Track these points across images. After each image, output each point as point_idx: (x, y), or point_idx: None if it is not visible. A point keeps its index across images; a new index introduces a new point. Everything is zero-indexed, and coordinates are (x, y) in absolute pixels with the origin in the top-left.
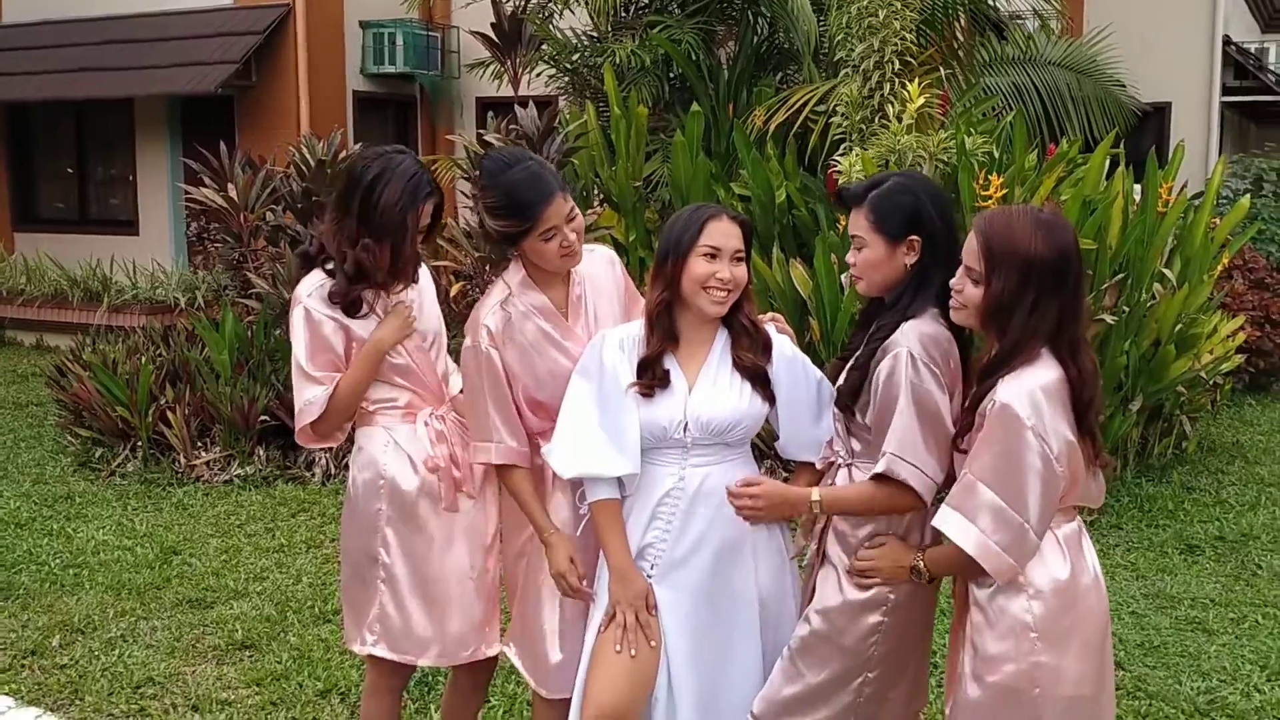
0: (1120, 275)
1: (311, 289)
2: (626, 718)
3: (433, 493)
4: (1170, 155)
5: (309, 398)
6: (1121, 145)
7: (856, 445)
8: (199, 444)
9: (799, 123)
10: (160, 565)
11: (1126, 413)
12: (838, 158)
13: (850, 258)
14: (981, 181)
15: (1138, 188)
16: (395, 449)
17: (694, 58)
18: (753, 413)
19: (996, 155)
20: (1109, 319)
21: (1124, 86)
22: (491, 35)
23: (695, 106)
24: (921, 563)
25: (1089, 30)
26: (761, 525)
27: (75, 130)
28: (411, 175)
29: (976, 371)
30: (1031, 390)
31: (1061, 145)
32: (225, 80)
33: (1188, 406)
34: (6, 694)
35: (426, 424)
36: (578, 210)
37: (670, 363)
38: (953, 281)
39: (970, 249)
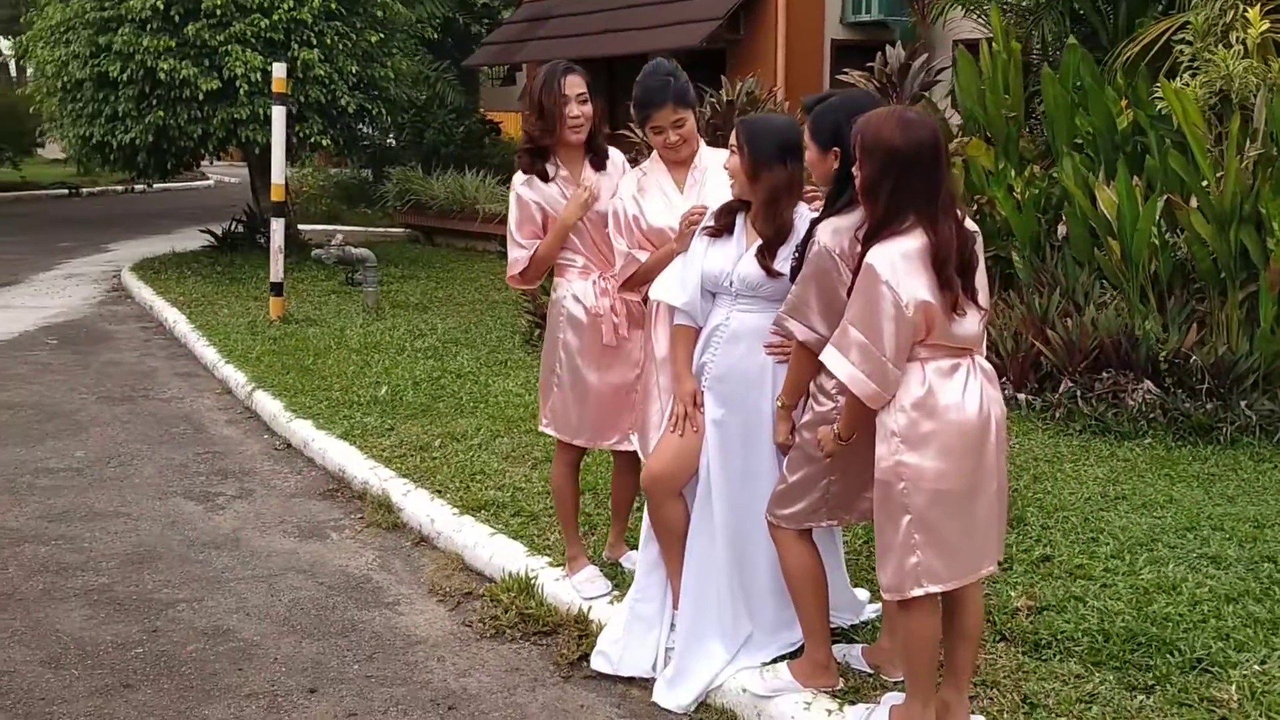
0: None
1: (520, 181)
2: (673, 481)
3: (595, 330)
4: None
5: (516, 256)
6: None
7: None
8: None
9: (1153, 52)
10: (534, 407)
11: None
12: (1155, 86)
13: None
14: None
15: None
16: (573, 297)
17: None
18: (784, 284)
19: None
20: None
21: None
22: None
23: (1071, 40)
24: (834, 428)
25: None
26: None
27: (608, 82)
28: (549, 64)
29: (860, 240)
30: (892, 254)
31: None
32: (711, 34)
33: None
34: (393, 470)
35: (595, 282)
36: (687, 119)
37: (742, 225)
38: (854, 168)
39: (853, 142)
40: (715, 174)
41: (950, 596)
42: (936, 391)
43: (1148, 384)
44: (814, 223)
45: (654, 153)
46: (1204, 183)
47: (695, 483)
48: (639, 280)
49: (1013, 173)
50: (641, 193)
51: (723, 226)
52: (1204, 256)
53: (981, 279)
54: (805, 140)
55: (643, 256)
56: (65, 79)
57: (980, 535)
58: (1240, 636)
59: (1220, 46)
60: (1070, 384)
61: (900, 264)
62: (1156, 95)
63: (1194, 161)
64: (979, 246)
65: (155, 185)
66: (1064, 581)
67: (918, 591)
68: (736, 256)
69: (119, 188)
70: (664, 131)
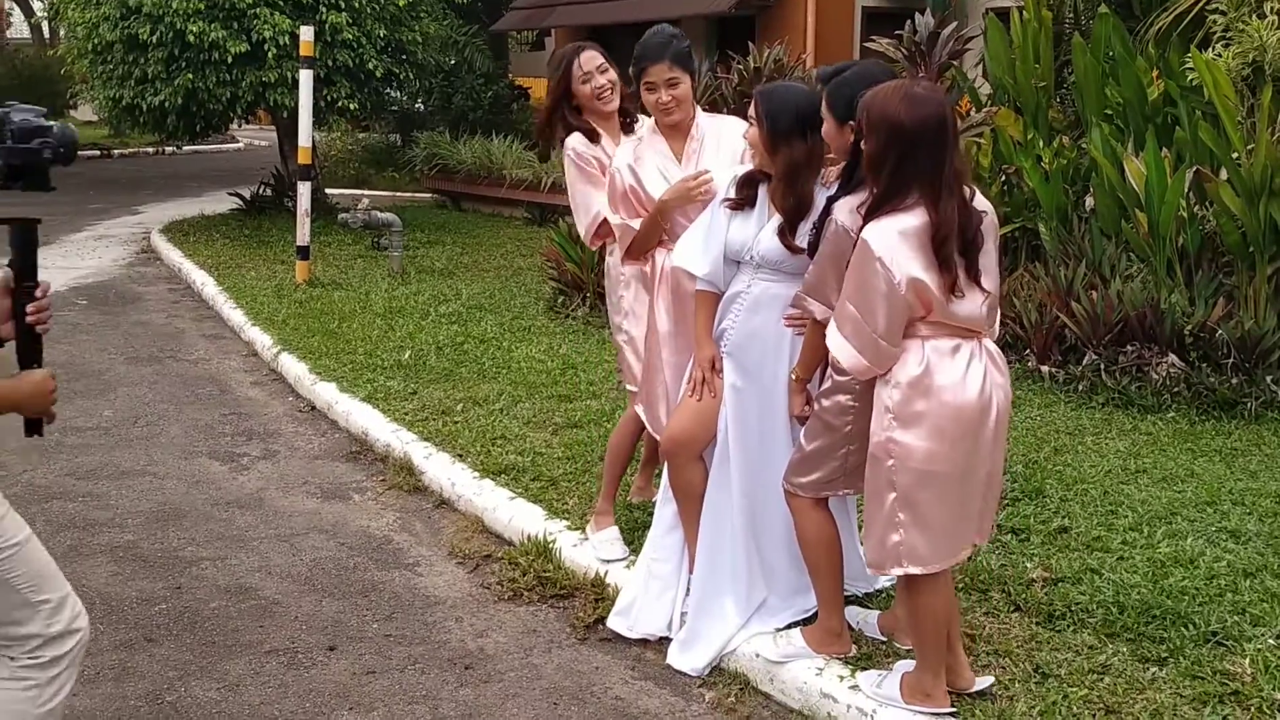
0: None
1: (572, 142)
2: (693, 444)
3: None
4: None
5: (598, 206)
6: None
7: None
8: None
9: (1186, 22)
10: (556, 373)
11: None
12: (1187, 56)
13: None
14: None
15: None
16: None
17: None
18: (806, 259)
19: None
20: None
21: None
22: None
23: (1103, 8)
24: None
25: None
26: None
27: None
28: (568, 45)
29: (863, 214)
30: (888, 231)
31: None
32: (741, 0)
33: None
34: (415, 433)
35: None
36: (682, 81)
37: (764, 196)
38: (862, 143)
39: (859, 117)
40: (713, 142)
41: None
42: (934, 371)
43: (1172, 358)
44: (830, 200)
45: (651, 120)
46: (1234, 155)
47: (714, 446)
48: (637, 248)
49: (1041, 143)
50: (638, 161)
51: (744, 199)
52: (1232, 230)
53: (988, 260)
54: (823, 112)
55: (636, 224)
56: (96, 41)
57: (967, 520)
58: (1256, 611)
59: (1254, 17)
60: (1094, 356)
61: (896, 241)
62: (1188, 66)
63: (1224, 133)
64: (988, 225)
65: (185, 147)
66: (1081, 553)
67: (898, 570)
68: (758, 228)
69: (150, 149)
70: (657, 89)
